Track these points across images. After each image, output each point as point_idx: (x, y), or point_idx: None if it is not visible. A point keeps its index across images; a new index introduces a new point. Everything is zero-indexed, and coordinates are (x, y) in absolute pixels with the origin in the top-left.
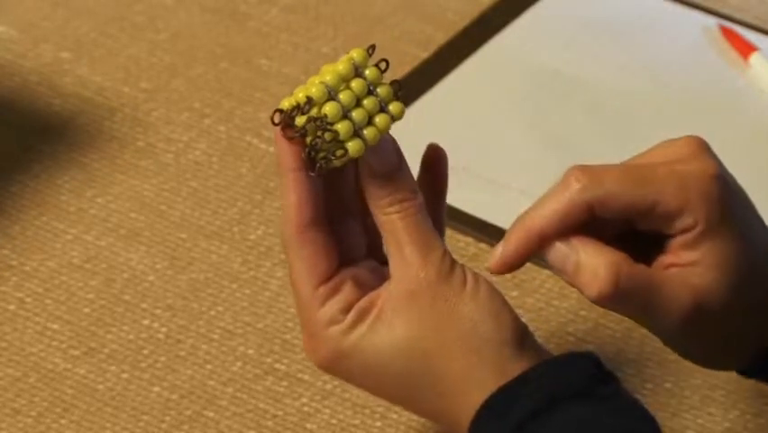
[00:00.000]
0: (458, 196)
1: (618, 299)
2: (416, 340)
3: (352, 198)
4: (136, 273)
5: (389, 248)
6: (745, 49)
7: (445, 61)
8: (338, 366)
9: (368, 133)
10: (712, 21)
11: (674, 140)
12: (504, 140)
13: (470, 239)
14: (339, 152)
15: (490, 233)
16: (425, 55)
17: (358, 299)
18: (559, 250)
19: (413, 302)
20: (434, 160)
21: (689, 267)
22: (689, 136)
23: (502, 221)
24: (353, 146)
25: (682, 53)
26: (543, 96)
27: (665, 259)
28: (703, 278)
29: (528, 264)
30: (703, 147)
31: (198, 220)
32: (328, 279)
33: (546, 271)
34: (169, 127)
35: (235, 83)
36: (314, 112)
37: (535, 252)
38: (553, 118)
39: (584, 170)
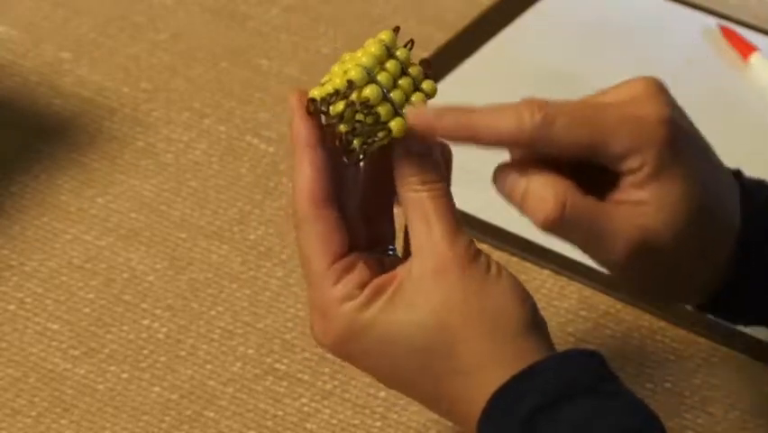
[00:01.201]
0: (458, 196)
1: (564, 226)
2: (440, 315)
3: (357, 191)
4: (136, 273)
5: (414, 225)
6: (745, 49)
7: (445, 61)
8: (350, 345)
9: (407, 111)
10: (712, 21)
11: (632, 80)
12: None
13: None
14: (381, 134)
15: (491, 233)
16: (425, 55)
17: (372, 278)
18: (510, 175)
19: (440, 278)
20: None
21: (637, 206)
22: (645, 77)
23: (502, 221)
24: (396, 125)
25: (682, 53)
26: (543, 96)
27: (616, 195)
28: (650, 217)
29: (528, 264)
30: (657, 89)
31: (198, 220)
32: (342, 256)
33: (546, 271)
34: (169, 127)
35: (235, 83)
36: (353, 96)
37: (456, 142)
38: None
39: (541, 107)
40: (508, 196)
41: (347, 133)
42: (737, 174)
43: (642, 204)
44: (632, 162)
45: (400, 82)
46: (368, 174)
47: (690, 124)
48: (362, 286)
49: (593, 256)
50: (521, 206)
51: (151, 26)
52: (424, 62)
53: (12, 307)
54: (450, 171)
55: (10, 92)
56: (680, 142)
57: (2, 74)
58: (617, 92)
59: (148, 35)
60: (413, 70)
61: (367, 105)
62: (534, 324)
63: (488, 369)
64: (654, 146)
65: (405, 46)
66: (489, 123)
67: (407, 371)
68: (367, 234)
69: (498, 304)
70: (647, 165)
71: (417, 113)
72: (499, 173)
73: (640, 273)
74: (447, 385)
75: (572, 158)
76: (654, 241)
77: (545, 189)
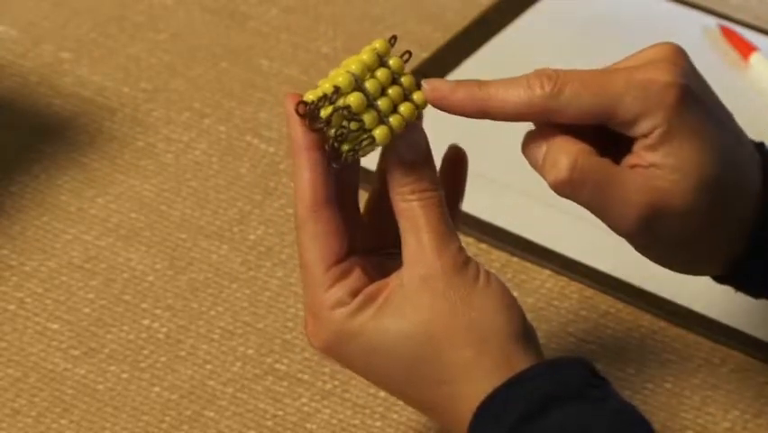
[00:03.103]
0: None
1: (572, 187)
2: (426, 324)
3: (356, 195)
4: (136, 273)
5: (405, 235)
6: (745, 49)
7: (445, 61)
8: (339, 349)
9: (393, 120)
10: (712, 21)
11: (651, 46)
12: (505, 140)
13: (470, 239)
14: (366, 141)
15: (491, 233)
16: (424, 55)
17: (365, 286)
18: (533, 141)
19: (426, 287)
20: (456, 161)
21: (650, 168)
22: (665, 44)
23: (503, 221)
24: (380, 133)
25: None
26: None
27: (630, 159)
28: (663, 180)
29: (528, 264)
30: (673, 55)
31: (198, 220)
32: (339, 261)
33: (547, 272)
34: (169, 127)
35: (235, 83)
36: (340, 102)
37: (470, 116)
38: None
39: (550, 77)
40: (531, 162)
41: (335, 137)
42: (761, 146)
43: (654, 167)
44: (643, 127)
45: (389, 91)
46: (379, 175)
47: (706, 92)
48: (355, 293)
49: (608, 221)
50: (540, 170)
51: (151, 26)
52: (419, 74)
53: (12, 307)
54: (463, 176)
55: (10, 92)
56: (690, 107)
57: (2, 74)
58: (635, 58)
59: (148, 35)
60: (405, 80)
61: (351, 112)
62: (523, 333)
63: (474, 379)
64: (663, 109)
65: (401, 56)
66: (500, 96)
67: (395, 379)
68: (370, 236)
69: (484, 314)
70: (658, 128)
71: (433, 86)
72: (525, 141)
73: (655, 241)
74: (435, 394)
75: (587, 126)
76: (667, 206)
77: (558, 152)
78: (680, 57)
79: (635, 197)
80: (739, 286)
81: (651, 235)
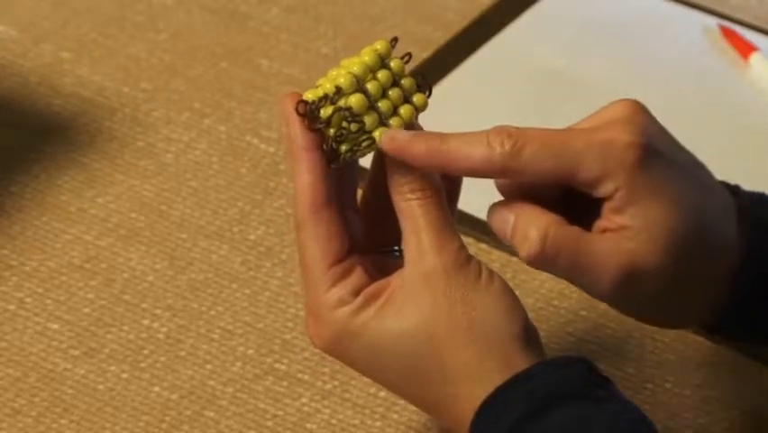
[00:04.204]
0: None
1: (546, 259)
2: (427, 324)
3: (355, 193)
4: (136, 273)
5: (406, 234)
6: (745, 49)
7: (445, 61)
8: (341, 348)
9: (393, 122)
10: (712, 21)
11: (612, 103)
12: None
13: (470, 239)
14: (365, 142)
15: (491, 233)
16: (424, 55)
17: (367, 285)
18: (499, 214)
19: (427, 286)
20: None
21: (620, 231)
22: (625, 100)
23: None
24: (380, 135)
25: (682, 53)
26: (543, 96)
27: (601, 223)
28: (633, 241)
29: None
30: (634, 112)
31: (198, 220)
32: (340, 261)
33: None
34: (169, 127)
35: (235, 83)
36: (341, 102)
37: (429, 170)
38: (553, 118)
39: (510, 136)
40: (500, 234)
41: (334, 138)
42: (735, 190)
43: (624, 229)
44: (605, 188)
45: (390, 93)
46: (372, 174)
47: (671, 147)
48: (357, 292)
49: (585, 288)
50: (510, 243)
51: (151, 26)
52: (418, 75)
53: (12, 307)
54: (459, 177)
55: (10, 92)
56: (653, 165)
57: (2, 74)
58: (595, 117)
59: (148, 35)
60: (405, 82)
61: (352, 113)
62: (525, 333)
63: (475, 379)
64: (624, 170)
65: (402, 58)
66: (459, 152)
67: (397, 378)
68: (373, 234)
69: (486, 313)
70: (621, 189)
71: (392, 137)
72: (491, 212)
73: (634, 301)
74: (437, 394)
75: (549, 186)
76: (639, 267)
77: (528, 225)
78: (639, 114)
79: (607, 262)
80: (728, 335)
81: (627, 297)
